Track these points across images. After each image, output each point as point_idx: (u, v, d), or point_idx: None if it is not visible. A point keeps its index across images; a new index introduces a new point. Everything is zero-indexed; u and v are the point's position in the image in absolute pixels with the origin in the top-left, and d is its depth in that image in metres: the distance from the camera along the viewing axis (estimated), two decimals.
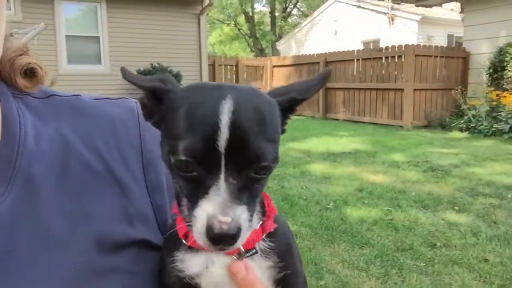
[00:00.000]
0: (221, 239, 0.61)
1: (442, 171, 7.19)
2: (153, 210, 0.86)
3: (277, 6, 38.23)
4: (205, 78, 15.43)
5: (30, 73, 0.84)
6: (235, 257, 0.73)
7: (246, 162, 0.63)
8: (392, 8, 20.61)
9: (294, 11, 41.62)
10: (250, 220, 0.65)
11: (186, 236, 0.73)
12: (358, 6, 22.36)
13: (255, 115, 0.64)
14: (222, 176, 0.62)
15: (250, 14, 39.09)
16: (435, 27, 19.96)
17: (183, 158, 0.62)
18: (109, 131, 0.86)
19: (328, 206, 5.43)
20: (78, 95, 0.91)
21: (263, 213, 0.76)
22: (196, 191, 0.64)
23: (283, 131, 0.74)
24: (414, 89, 12.80)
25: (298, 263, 0.80)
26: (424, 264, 3.86)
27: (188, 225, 0.66)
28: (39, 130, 0.80)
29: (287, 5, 39.29)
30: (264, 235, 0.75)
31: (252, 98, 0.67)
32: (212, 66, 16.90)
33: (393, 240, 4.39)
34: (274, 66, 18.31)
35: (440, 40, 18.99)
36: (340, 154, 8.74)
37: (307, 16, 31.49)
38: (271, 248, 0.76)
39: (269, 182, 4.53)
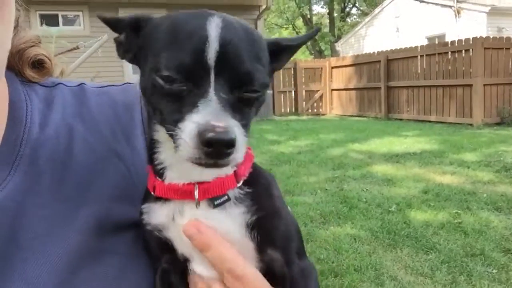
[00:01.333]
0: (215, 146, 0.55)
1: None
2: None
3: (335, 6, 37.68)
4: None
5: (38, 64, 0.87)
6: (197, 207, 0.68)
7: (237, 80, 0.59)
8: (458, 1, 19.55)
9: (353, 11, 40.83)
10: (246, 137, 0.60)
11: (154, 188, 0.71)
12: (421, 1, 21.46)
13: (245, 34, 0.62)
14: (211, 90, 0.58)
15: (308, 16, 38.85)
16: (507, 17, 18.66)
17: (165, 69, 0.58)
18: (113, 115, 0.88)
19: (390, 209, 5.19)
20: (83, 83, 0.93)
21: None
22: (181, 108, 0.59)
23: (269, 79, 0.69)
24: (484, 84, 12.02)
25: (276, 204, 0.72)
26: (496, 271, 3.56)
27: (174, 141, 0.60)
28: (46, 116, 0.82)
29: (345, 4, 38.62)
30: (240, 182, 0.70)
31: (240, 21, 0.66)
32: None
33: (461, 244, 4.10)
34: (333, 67, 18.01)
35: None
36: (404, 155, 8.38)
37: (366, 14, 30.75)
38: (246, 194, 0.70)
39: (327, 184, 4.48)
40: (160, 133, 0.70)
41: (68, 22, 13.71)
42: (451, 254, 3.88)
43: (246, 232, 0.69)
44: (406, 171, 7.10)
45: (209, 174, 0.69)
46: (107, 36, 7.46)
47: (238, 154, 0.58)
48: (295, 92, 17.83)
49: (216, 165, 0.59)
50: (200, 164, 0.58)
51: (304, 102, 17.99)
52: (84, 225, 0.74)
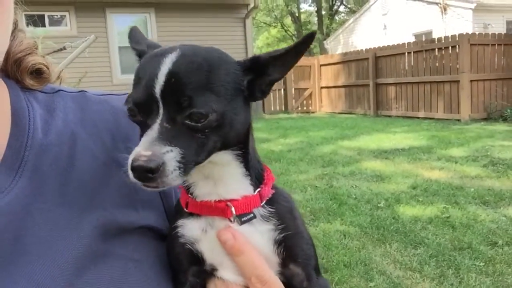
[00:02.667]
0: (139, 172, 0.63)
1: (504, 165, 6.75)
2: (160, 196, 0.89)
3: (323, 4, 37.77)
4: None
5: (37, 74, 0.87)
6: (232, 222, 0.75)
7: (178, 107, 0.65)
8: None
9: (341, 8, 40.96)
10: (182, 163, 0.65)
11: (187, 204, 0.77)
12: None
13: (194, 66, 0.67)
14: (158, 120, 0.66)
15: (297, 14, 38.90)
16: (492, 14, 18.86)
17: (129, 106, 0.69)
18: (114, 123, 0.90)
19: (379, 205, 5.24)
20: (84, 91, 0.95)
21: (261, 181, 0.79)
22: (141, 135, 0.68)
23: (250, 93, 0.73)
24: (471, 80, 12.15)
25: (300, 225, 0.81)
26: (484, 264, 3.61)
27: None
28: (48, 122, 0.83)
29: (333, 2, 38.73)
30: (264, 201, 0.77)
31: (201, 52, 0.70)
32: None
33: (449, 238, 4.15)
34: (321, 65, 18.07)
35: (498, 27, 17.89)
36: (392, 151, 8.44)
37: (354, 12, 30.87)
38: (271, 213, 0.77)
39: (317, 181, 4.49)
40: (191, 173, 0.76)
41: (55, 22, 13.58)
42: (439, 248, 3.93)
43: (273, 247, 0.76)
44: (395, 167, 7.16)
45: (231, 192, 0.76)
46: (94, 36, 7.42)
47: (167, 178, 0.64)
48: (285, 90, 17.86)
49: (146, 186, 0.66)
50: (137, 184, 0.67)
51: (293, 100, 18.02)
52: (88, 229, 0.75)
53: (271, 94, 17.71)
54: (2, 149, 0.76)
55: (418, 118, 13.43)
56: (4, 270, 0.68)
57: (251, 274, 0.74)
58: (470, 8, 18.63)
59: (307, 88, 18.08)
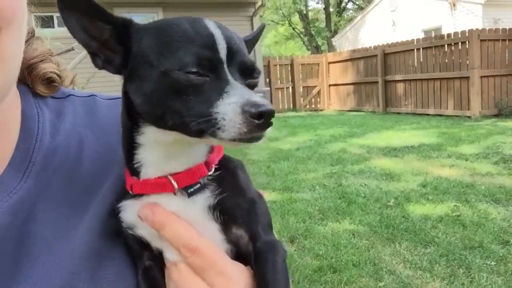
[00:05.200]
0: (266, 116, 0.60)
1: None
2: None
3: (331, 1, 37.58)
4: (261, 79, 15.47)
5: (48, 82, 0.89)
6: (176, 195, 0.72)
7: (246, 70, 0.68)
8: None
9: (349, 5, 40.73)
10: None
11: (131, 186, 0.74)
12: None
13: (237, 36, 0.71)
14: (230, 78, 0.65)
15: (304, 12, 38.77)
16: (502, 9, 18.61)
17: (192, 69, 0.63)
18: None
19: (388, 204, 5.20)
20: (94, 95, 0.96)
21: (210, 151, 0.75)
22: (206, 97, 0.63)
23: None
24: (481, 76, 12.01)
25: (241, 184, 0.75)
26: (495, 263, 3.57)
27: (210, 127, 0.62)
28: (57, 125, 0.85)
29: None
30: (212, 170, 0.74)
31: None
32: (267, 67, 16.92)
33: (460, 237, 4.10)
34: (329, 63, 17.98)
35: (508, 22, 17.64)
36: (402, 148, 8.38)
37: (362, 9, 30.68)
38: (213, 178, 0.73)
39: (325, 179, 4.47)
40: (146, 136, 0.72)
41: (63, 23, 13.67)
42: (450, 247, 3.89)
43: (208, 214, 0.72)
44: (404, 165, 7.10)
45: (181, 165, 0.72)
46: None
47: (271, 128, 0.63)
48: (293, 88, 17.81)
49: (259, 138, 0.63)
50: (244, 141, 0.62)
51: (302, 98, 17.97)
52: (89, 228, 0.77)
53: (279, 92, 17.75)
54: (11, 151, 0.78)
55: (427, 115, 13.31)
56: (7, 269, 0.70)
57: (178, 245, 0.71)
58: (480, 3, 18.40)
59: (315, 86, 18.01)
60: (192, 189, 0.72)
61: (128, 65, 0.70)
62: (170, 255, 0.75)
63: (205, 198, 0.72)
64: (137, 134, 0.73)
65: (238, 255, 0.74)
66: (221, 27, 0.68)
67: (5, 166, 0.77)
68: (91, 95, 0.95)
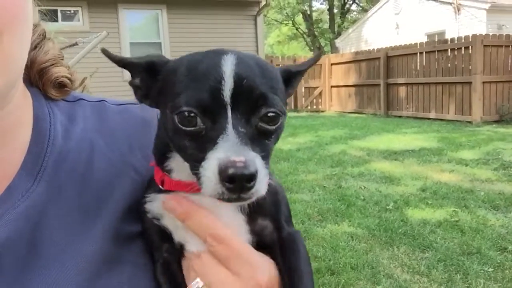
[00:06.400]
0: (237, 181, 0.56)
1: None
2: None
3: (335, 2, 37.56)
4: None
5: (59, 87, 0.90)
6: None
7: (253, 108, 0.61)
8: None
9: (353, 7, 40.70)
10: (267, 169, 0.61)
11: (162, 182, 0.75)
12: None
13: (258, 68, 0.64)
14: (229, 125, 0.60)
15: (308, 12, 38.75)
16: (506, 14, 18.60)
17: (185, 108, 0.60)
18: (132, 132, 0.92)
19: (387, 207, 5.21)
20: (104, 100, 0.97)
21: None
22: (203, 145, 0.61)
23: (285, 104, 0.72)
24: (484, 82, 12.01)
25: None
26: (492, 269, 3.58)
27: (197, 179, 0.62)
28: (68, 129, 0.86)
29: (345, 1, 38.50)
30: None
31: (253, 56, 0.67)
32: None
33: (458, 243, 4.11)
34: (332, 64, 17.98)
35: None
36: (402, 152, 8.38)
37: (366, 11, 30.66)
38: None
39: (325, 181, 4.47)
40: (175, 159, 0.74)
41: (67, 18, 13.67)
42: (448, 253, 3.90)
43: (236, 206, 0.73)
44: (404, 169, 7.11)
45: None
46: (106, 32, 7.47)
47: (261, 186, 0.59)
48: None
49: (239, 199, 0.60)
50: (224, 200, 0.60)
51: (303, 99, 17.97)
52: (101, 233, 0.77)
53: None
54: (23, 155, 0.78)
55: (429, 119, 13.31)
56: (20, 274, 0.69)
57: (205, 235, 0.72)
58: (484, 9, 18.40)
59: (317, 87, 18.01)
60: None
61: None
62: (193, 246, 0.75)
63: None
64: (169, 148, 0.75)
65: (258, 245, 0.76)
66: (239, 63, 0.63)
67: (17, 169, 0.77)
68: (101, 100, 0.96)
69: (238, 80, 0.60)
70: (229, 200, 0.60)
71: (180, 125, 0.62)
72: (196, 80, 0.62)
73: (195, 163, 0.63)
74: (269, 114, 0.62)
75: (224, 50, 0.66)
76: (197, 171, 0.61)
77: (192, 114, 0.60)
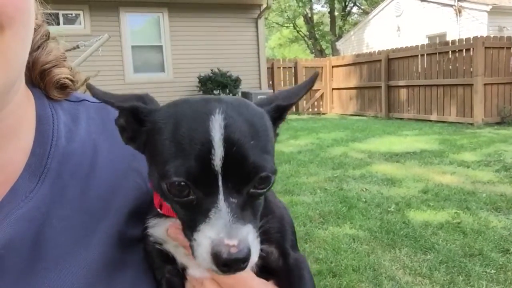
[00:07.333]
0: (231, 266, 0.57)
1: None
2: None
3: (336, 5, 37.60)
4: (264, 82, 15.50)
5: (62, 88, 0.90)
6: None
7: (245, 178, 0.59)
8: (459, 0, 19.50)
9: (354, 9, 40.75)
10: (258, 237, 0.61)
11: (161, 205, 0.73)
12: (422, 0, 21.41)
13: (248, 128, 0.61)
14: (221, 196, 0.58)
15: (309, 15, 38.80)
16: (507, 17, 18.61)
17: (175, 179, 0.58)
18: None
19: (389, 209, 5.20)
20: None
21: None
22: (194, 215, 0.60)
23: (275, 138, 0.72)
24: (485, 84, 12.01)
25: (270, 203, 0.76)
26: (495, 271, 3.57)
27: (190, 246, 0.62)
28: (71, 130, 0.85)
29: (346, 3, 38.55)
30: None
31: (242, 110, 0.63)
32: (271, 69, 16.93)
33: (460, 245, 4.10)
34: (333, 66, 17.99)
35: None
36: (403, 154, 8.38)
37: (367, 13, 30.69)
38: None
39: (327, 183, 4.46)
40: None
41: (69, 21, 13.71)
42: (450, 254, 3.89)
43: None
44: (405, 171, 7.10)
45: None
46: (108, 35, 7.48)
47: (253, 258, 0.59)
48: None
49: (235, 271, 0.60)
50: (217, 273, 0.60)
51: (304, 101, 17.96)
52: (104, 237, 0.77)
53: None
54: (26, 156, 0.78)
55: (430, 121, 13.30)
56: (23, 275, 0.69)
57: None
58: (485, 11, 18.41)
59: (318, 89, 18.01)
60: None
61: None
62: (196, 271, 0.75)
63: None
64: None
65: (264, 269, 0.76)
66: (229, 126, 0.59)
67: (20, 171, 0.76)
68: None
69: (229, 147, 0.58)
70: (221, 273, 0.60)
71: (169, 194, 0.60)
72: (184, 148, 0.59)
73: (186, 229, 0.62)
74: (261, 181, 0.61)
75: (212, 105, 0.62)
76: (189, 239, 0.61)
77: (183, 184, 0.58)
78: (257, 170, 0.59)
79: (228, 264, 0.56)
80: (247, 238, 0.58)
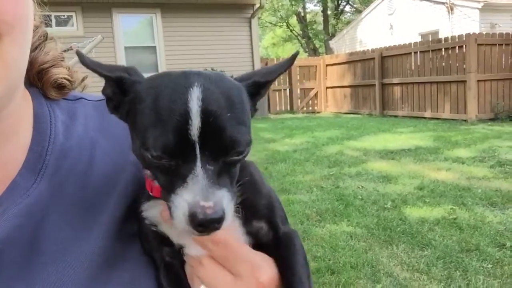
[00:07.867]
0: (206, 226, 0.60)
1: (511, 166, 6.70)
2: None
3: (329, 4, 37.67)
4: None
5: (59, 88, 0.90)
6: None
7: (222, 149, 0.62)
8: None
9: (347, 8, 40.85)
10: (233, 201, 0.64)
11: (151, 189, 0.75)
12: None
13: (225, 101, 0.64)
14: (198, 163, 0.62)
15: (302, 14, 38.85)
16: (499, 13, 18.72)
17: (154, 153, 0.62)
18: None
19: (386, 206, 5.22)
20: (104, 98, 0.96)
21: None
22: (172, 180, 0.63)
23: (253, 113, 0.74)
24: (478, 80, 12.08)
25: (257, 180, 0.79)
26: (491, 266, 3.59)
27: (168, 209, 0.64)
28: (69, 127, 0.86)
29: (339, 2, 38.63)
30: None
31: (220, 83, 0.66)
32: None
33: (457, 240, 4.13)
34: (327, 65, 18.04)
35: (505, 27, 17.76)
36: (399, 151, 8.41)
37: (360, 12, 30.77)
38: None
39: (323, 181, 4.46)
40: None
41: (61, 22, 13.65)
42: (447, 250, 3.91)
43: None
44: (401, 168, 7.13)
45: None
46: (101, 36, 7.46)
47: (228, 220, 0.62)
48: (290, 90, 17.84)
49: (210, 232, 0.63)
50: (194, 234, 0.63)
51: (299, 100, 18.00)
52: (104, 231, 0.77)
53: (276, 94, 17.75)
54: (24, 154, 0.79)
55: (424, 118, 13.37)
56: (21, 270, 0.70)
57: (202, 239, 0.74)
58: (477, 8, 18.51)
59: (313, 88, 18.05)
60: None
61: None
62: (192, 250, 0.77)
63: None
64: None
65: (256, 244, 0.78)
66: (207, 98, 0.61)
67: (18, 168, 0.77)
68: (102, 99, 0.95)
69: (206, 118, 0.60)
70: (198, 233, 0.63)
71: (150, 158, 0.63)
72: (163, 118, 0.61)
73: (165, 192, 0.65)
74: (236, 152, 0.64)
75: (191, 78, 0.64)
76: (168, 203, 0.64)
77: (161, 156, 0.62)
78: (233, 143, 0.62)
79: (203, 224, 0.59)
80: (222, 200, 0.61)
